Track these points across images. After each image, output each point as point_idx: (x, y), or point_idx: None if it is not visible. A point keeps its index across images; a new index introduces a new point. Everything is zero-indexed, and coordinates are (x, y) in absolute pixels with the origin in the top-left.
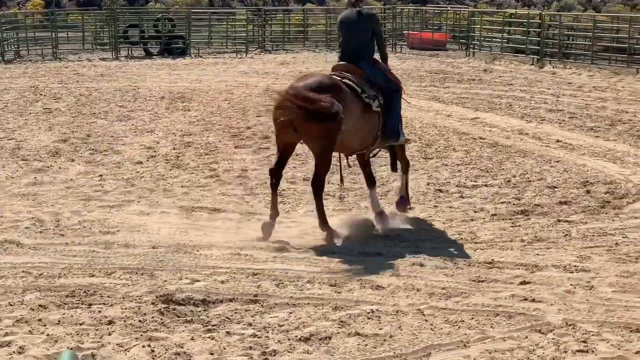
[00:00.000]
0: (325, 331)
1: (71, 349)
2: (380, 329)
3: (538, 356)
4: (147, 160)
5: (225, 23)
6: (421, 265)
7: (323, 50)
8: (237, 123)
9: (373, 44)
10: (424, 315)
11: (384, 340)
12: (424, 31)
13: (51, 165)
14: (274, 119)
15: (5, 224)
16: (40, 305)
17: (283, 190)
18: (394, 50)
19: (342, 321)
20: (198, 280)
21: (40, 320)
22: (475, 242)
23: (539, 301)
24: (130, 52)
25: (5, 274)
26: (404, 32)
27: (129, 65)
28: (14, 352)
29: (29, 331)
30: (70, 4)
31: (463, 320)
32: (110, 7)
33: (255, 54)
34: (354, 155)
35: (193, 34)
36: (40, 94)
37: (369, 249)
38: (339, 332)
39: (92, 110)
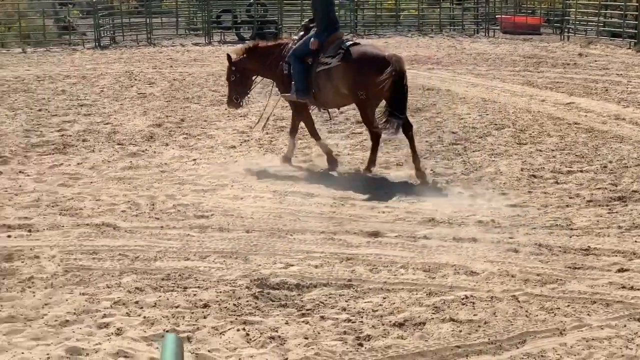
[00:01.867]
0: (419, 317)
1: (168, 331)
2: (474, 315)
3: (637, 345)
4: (241, 144)
5: None
6: (516, 251)
7: (415, 34)
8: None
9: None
10: (518, 301)
11: (479, 326)
12: (518, 15)
13: (146, 150)
14: (388, 78)
15: (102, 207)
16: (136, 288)
17: (374, 175)
18: (486, 34)
19: (436, 307)
20: (292, 265)
21: (137, 302)
22: (571, 229)
23: (638, 289)
24: (222, 37)
25: (102, 257)
26: (496, 16)
27: (222, 50)
28: (112, 333)
29: (127, 313)
30: None
31: (559, 308)
32: None
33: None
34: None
35: (285, 19)
36: (135, 79)
37: (463, 235)
38: (433, 318)
39: (186, 95)
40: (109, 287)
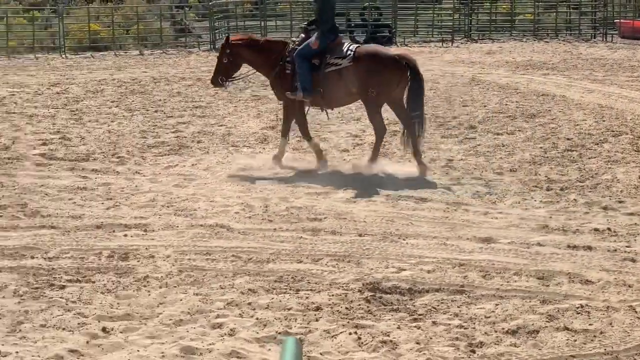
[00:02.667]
0: (532, 324)
1: (280, 333)
2: (590, 324)
3: None
4: (354, 148)
5: (431, 12)
6: (633, 260)
7: (530, 39)
8: (443, 113)
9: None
10: (636, 312)
11: (594, 336)
12: (637, 19)
13: (260, 152)
14: (396, 80)
15: (216, 209)
16: (249, 289)
17: (490, 180)
18: (604, 39)
19: (550, 315)
20: (404, 269)
21: (249, 304)
22: None
23: None
24: None
25: (216, 258)
26: (615, 20)
27: None
28: (225, 334)
29: (239, 314)
30: None
31: None
32: None
33: (461, 43)
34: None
35: (399, 23)
36: (249, 81)
37: (578, 242)
38: (547, 326)
39: None
40: (222, 288)
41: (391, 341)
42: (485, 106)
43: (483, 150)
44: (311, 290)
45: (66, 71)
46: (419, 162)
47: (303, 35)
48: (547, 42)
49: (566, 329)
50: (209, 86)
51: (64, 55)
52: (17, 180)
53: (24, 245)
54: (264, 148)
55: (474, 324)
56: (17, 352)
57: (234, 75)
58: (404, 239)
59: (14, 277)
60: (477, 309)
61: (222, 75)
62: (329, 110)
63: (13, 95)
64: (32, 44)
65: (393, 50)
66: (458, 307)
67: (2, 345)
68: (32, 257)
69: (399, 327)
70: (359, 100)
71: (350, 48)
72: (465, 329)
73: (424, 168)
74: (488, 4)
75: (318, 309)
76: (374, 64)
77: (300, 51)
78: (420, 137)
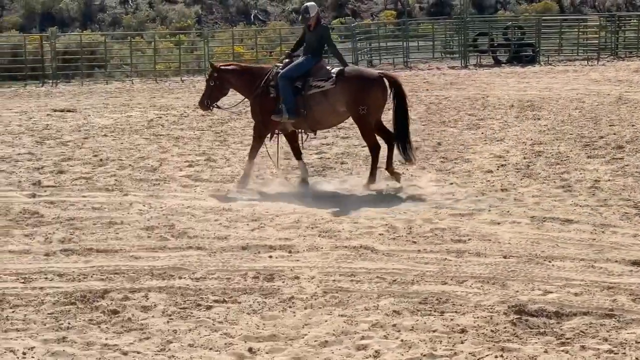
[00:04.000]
0: None
1: (425, 355)
2: None
3: None
4: (498, 169)
5: (576, 30)
6: None
7: None
8: (589, 132)
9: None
10: None
11: None
12: None
13: (402, 173)
14: (385, 96)
15: (360, 230)
16: (394, 311)
17: (639, 202)
18: None
19: None
20: (551, 292)
21: (394, 325)
22: None
23: None
24: (479, 61)
25: (360, 279)
26: None
27: (478, 73)
28: (370, 355)
29: (384, 336)
30: (420, 14)
31: None
32: (460, 17)
33: (607, 61)
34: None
35: (543, 42)
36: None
37: None
38: None
39: (442, 119)
40: (367, 310)
41: None
42: (633, 125)
43: (631, 171)
44: (456, 312)
45: None
46: (392, 172)
47: (287, 60)
48: None
49: None
50: None
51: None
52: (164, 202)
53: (172, 266)
54: (407, 169)
55: (624, 349)
56: None
57: (219, 97)
58: (549, 261)
59: (163, 297)
60: (628, 333)
61: (209, 99)
62: (311, 135)
63: (160, 117)
64: (178, 67)
65: (378, 71)
66: (607, 331)
67: None
68: (180, 278)
69: (546, 351)
70: (344, 121)
71: (332, 71)
72: (615, 354)
73: (398, 176)
74: (635, 21)
75: (463, 331)
76: (360, 82)
77: (283, 74)
78: (411, 158)
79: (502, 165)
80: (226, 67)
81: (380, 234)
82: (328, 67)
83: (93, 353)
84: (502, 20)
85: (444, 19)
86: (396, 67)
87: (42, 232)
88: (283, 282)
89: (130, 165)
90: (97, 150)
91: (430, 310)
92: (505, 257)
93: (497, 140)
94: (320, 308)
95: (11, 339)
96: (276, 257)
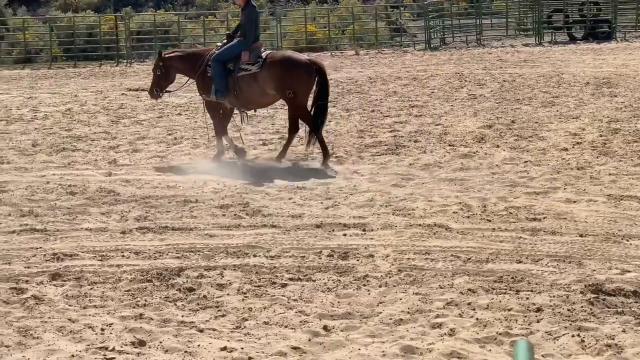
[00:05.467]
0: None
1: (500, 334)
2: None
3: None
4: (573, 147)
5: None
6: None
7: None
8: None
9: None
10: None
11: None
12: None
13: (477, 151)
14: (312, 80)
15: (435, 208)
16: (469, 289)
17: None
18: None
19: None
20: (629, 271)
21: (469, 304)
22: None
23: None
24: (553, 37)
25: (435, 257)
26: None
27: (552, 50)
28: (445, 333)
29: (459, 314)
30: None
31: None
32: None
33: None
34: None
35: (619, 17)
36: (465, 80)
37: None
38: None
39: (516, 97)
40: (441, 288)
41: (616, 345)
42: None
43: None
44: (532, 291)
45: None
46: (325, 150)
47: (225, 40)
48: None
49: None
50: (424, 85)
51: None
52: (238, 180)
53: (246, 244)
54: (481, 147)
55: None
56: (242, 347)
57: (167, 84)
58: (627, 240)
59: (238, 274)
60: None
61: (157, 87)
62: (248, 113)
63: None
64: None
65: (305, 56)
66: None
67: (228, 341)
68: (255, 256)
69: (624, 331)
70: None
71: (261, 55)
72: None
73: (327, 154)
74: None
75: (539, 310)
76: (287, 67)
77: (216, 56)
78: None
79: (578, 143)
80: (170, 55)
81: (454, 212)
82: (261, 50)
83: (170, 330)
84: None
85: None
86: (469, 44)
87: (118, 210)
88: (357, 260)
89: (204, 144)
90: (171, 129)
91: (506, 289)
92: (581, 235)
93: (573, 118)
94: (394, 286)
95: (90, 315)
96: (350, 235)
